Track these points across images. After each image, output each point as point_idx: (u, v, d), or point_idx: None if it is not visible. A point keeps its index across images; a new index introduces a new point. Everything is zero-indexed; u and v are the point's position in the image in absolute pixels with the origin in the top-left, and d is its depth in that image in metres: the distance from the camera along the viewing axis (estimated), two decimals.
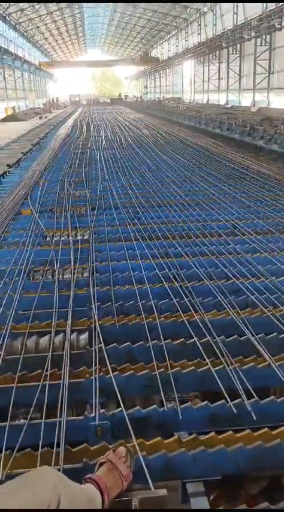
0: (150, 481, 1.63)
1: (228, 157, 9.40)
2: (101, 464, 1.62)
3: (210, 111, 19.65)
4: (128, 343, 2.60)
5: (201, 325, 2.72)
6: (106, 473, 1.56)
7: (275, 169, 7.88)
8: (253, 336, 2.61)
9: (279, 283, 3.33)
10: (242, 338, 2.62)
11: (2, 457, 1.77)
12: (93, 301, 3.01)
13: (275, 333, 2.69)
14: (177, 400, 2.11)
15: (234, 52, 32.80)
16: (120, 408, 2.03)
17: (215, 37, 35.05)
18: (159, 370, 2.31)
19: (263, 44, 27.53)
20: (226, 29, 33.50)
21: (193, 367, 2.35)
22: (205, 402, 2.09)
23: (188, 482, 1.77)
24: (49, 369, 2.33)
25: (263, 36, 27.20)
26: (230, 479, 1.87)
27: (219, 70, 36.39)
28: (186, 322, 2.79)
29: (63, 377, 2.25)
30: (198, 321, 2.79)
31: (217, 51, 35.83)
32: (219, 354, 2.42)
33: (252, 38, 28.06)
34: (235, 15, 32.07)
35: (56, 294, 3.19)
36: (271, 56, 27.42)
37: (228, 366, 2.31)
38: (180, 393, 2.30)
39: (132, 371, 2.33)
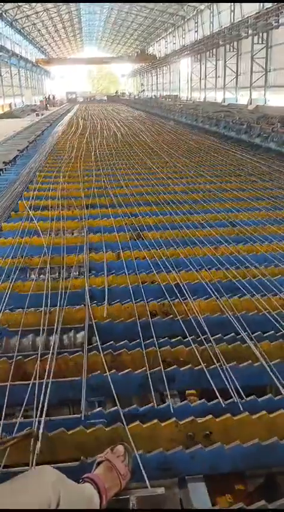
0: (146, 479, 1.63)
1: (225, 155, 9.39)
2: (99, 463, 1.61)
3: (207, 109, 19.64)
4: (126, 341, 2.59)
5: (195, 324, 2.71)
6: (104, 472, 1.55)
7: (272, 167, 7.89)
8: (248, 334, 2.60)
9: (275, 281, 3.33)
10: (237, 336, 2.61)
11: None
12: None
13: (271, 332, 2.68)
14: (169, 398, 2.10)
15: (231, 50, 32.78)
16: (116, 407, 2.02)
17: (212, 35, 35.01)
18: (152, 369, 2.30)
19: (260, 42, 27.52)
20: (223, 27, 33.47)
21: (188, 366, 2.34)
22: (202, 400, 2.08)
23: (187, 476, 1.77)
24: (45, 367, 2.31)
25: (260, 34, 27.21)
26: (227, 476, 1.87)
27: (216, 68, 36.38)
28: (180, 321, 2.78)
29: (56, 376, 2.24)
30: (192, 319, 2.78)
31: (214, 49, 35.80)
32: (211, 353, 2.41)
33: (249, 35, 28.07)
34: (232, 13, 32.05)
35: (49, 291, 3.15)
36: (267, 53, 27.42)
37: (223, 365, 2.30)
38: (177, 391, 2.31)
39: (128, 370, 2.32)
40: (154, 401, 2.08)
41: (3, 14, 40.71)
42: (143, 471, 1.65)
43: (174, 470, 1.78)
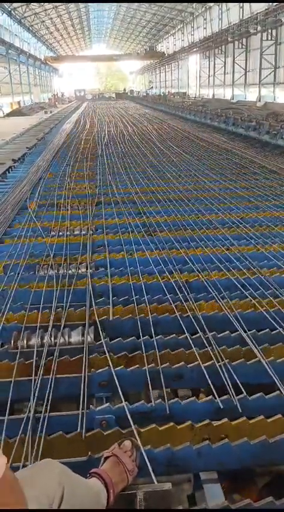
0: (153, 475, 1.63)
1: (233, 153, 9.34)
2: (106, 458, 1.61)
3: (216, 106, 19.56)
4: (133, 337, 2.59)
5: (194, 321, 2.72)
6: (112, 467, 1.56)
7: (280, 165, 7.81)
8: (245, 332, 2.60)
9: (272, 279, 3.31)
10: (235, 334, 2.61)
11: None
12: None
13: (267, 329, 2.67)
14: (167, 394, 2.11)
15: (240, 46, 32.60)
16: (123, 403, 2.03)
17: (221, 31, 34.83)
18: (158, 367, 2.30)
19: (269, 39, 27.33)
20: (232, 23, 33.29)
21: (195, 363, 2.34)
22: (210, 396, 2.08)
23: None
24: (50, 363, 2.33)
25: (269, 31, 27.01)
26: (239, 473, 1.87)
27: (225, 64, 36.19)
28: (178, 317, 2.78)
29: (62, 372, 2.26)
30: (191, 316, 2.78)
31: (223, 46, 35.62)
32: (210, 350, 2.40)
33: (258, 32, 27.88)
34: (241, 10, 31.86)
35: (55, 289, 3.17)
36: (277, 50, 27.22)
37: (220, 362, 2.30)
38: (184, 388, 2.31)
39: (134, 366, 2.33)
40: (152, 398, 2.08)
41: (12, 11, 40.74)
42: (149, 467, 1.65)
43: (181, 466, 1.78)
